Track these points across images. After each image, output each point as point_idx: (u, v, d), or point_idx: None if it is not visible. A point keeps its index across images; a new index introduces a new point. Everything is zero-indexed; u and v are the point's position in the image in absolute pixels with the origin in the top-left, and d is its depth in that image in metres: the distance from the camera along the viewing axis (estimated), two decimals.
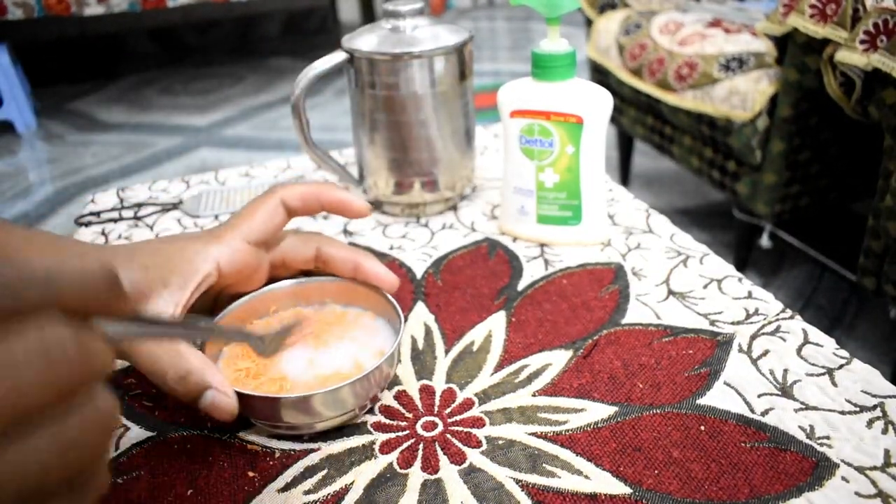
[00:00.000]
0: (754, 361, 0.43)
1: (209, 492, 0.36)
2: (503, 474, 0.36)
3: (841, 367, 0.42)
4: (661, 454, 0.36)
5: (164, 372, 0.35)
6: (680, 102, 1.37)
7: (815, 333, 0.45)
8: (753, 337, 0.45)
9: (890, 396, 0.39)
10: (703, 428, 0.38)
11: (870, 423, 0.37)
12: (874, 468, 0.35)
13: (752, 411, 0.39)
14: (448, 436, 0.38)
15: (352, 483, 0.36)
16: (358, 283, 0.44)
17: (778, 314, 0.47)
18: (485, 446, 0.38)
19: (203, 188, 0.71)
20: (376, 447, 0.38)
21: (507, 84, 0.55)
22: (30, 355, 0.16)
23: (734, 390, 0.40)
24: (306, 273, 0.46)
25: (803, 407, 0.39)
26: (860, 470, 0.35)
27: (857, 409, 0.38)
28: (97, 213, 0.67)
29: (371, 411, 0.41)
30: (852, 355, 0.42)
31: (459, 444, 0.38)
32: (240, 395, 0.36)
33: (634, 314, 0.48)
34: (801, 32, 1.08)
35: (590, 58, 1.69)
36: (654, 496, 0.34)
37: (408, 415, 0.40)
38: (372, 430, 0.39)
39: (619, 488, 0.35)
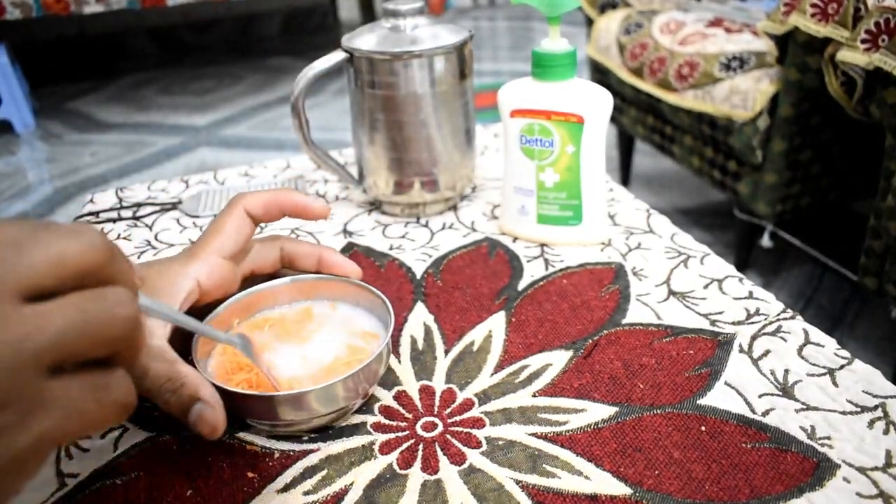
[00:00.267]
0: (755, 362, 0.43)
1: (208, 492, 0.35)
2: (503, 475, 0.36)
3: (842, 367, 0.41)
4: (662, 455, 0.36)
5: (161, 378, 0.35)
6: (681, 102, 1.37)
7: (816, 333, 0.45)
8: (754, 337, 0.45)
9: (891, 397, 0.39)
10: (703, 428, 0.38)
11: (871, 423, 0.37)
12: (875, 469, 0.35)
13: (753, 412, 0.39)
14: (448, 436, 0.38)
15: (351, 484, 0.36)
16: (341, 280, 0.45)
17: (779, 314, 0.47)
18: (485, 447, 0.37)
19: (202, 188, 0.71)
20: (376, 448, 0.38)
21: (507, 83, 0.55)
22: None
23: (735, 391, 0.40)
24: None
25: (804, 407, 0.39)
26: (861, 470, 0.35)
27: (859, 409, 0.38)
28: (96, 213, 0.67)
29: (371, 412, 0.40)
30: (853, 355, 0.42)
31: (459, 445, 0.38)
32: (235, 395, 0.36)
33: (635, 314, 0.48)
34: (802, 32, 1.08)
35: (590, 57, 1.69)
36: (654, 497, 0.34)
37: (407, 415, 0.40)
38: (372, 430, 0.39)
39: (620, 489, 0.34)
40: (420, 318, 0.49)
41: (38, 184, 2.07)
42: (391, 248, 0.58)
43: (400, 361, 0.45)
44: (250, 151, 2.21)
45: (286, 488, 0.36)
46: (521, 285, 0.52)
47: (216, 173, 0.75)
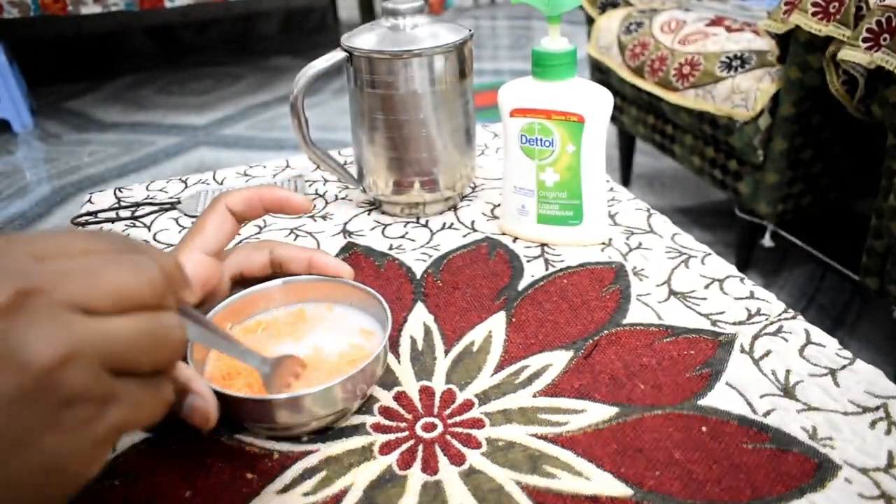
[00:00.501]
0: (756, 362, 0.42)
1: (208, 493, 0.35)
2: (503, 476, 0.35)
3: (843, 367, 0.41)
4: (663, 455, 0.36)
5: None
6: (681, 101, 1.37)
7: (818, 334, 0.44)
8: (755, 337, 0.45)
9: (893, 397, 0.39)
10: (704, 429, 0.38)
11: (873, 423, 0.37)
12: (877, 469, 0.34)
13: (754, 412, 0.38)
14: (448, 437, 0.38)
15: (351, 485, 0.35)
16: (334, 280, 0.45)
17: (780, 314, 0.47)
18: (485, 447, 0.37)
19: (201, 188, 0.71)
20: (375, 448, 0.38)
21: (507, 83, 0.55)
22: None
23: (736, 391, 0.40)
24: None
25: (805, 408, 0.39)
26: (863, 471, 0.34)
27: (860, 409, 0.38)
28: (94, 213, 0.66)
29: (370, 412, 0.40)
30: (855, 356, 0.42)
31: (459, 446, 0.38)
32: (232, 399, 0.36)
33: (635, 314, 0.47)
34: (803, 30, 1.08)
35: (591, 56, 1.69)
36: (655, 497, 0.34)
37: (407, 416, 0.40)
38: (371, 431, 0.39)
39: (621, 489, 0.34)
40: (420, 318, 0.49)
41: (36, 183, 2.07)
42: (391, 248, 0.58)
43: (399, 362, 0.44)
44: (249, 151, 2.21)
45: (285, 489, 0.35)
46: (522, 285, 0.52)
47: (215, 173, 0.74)
